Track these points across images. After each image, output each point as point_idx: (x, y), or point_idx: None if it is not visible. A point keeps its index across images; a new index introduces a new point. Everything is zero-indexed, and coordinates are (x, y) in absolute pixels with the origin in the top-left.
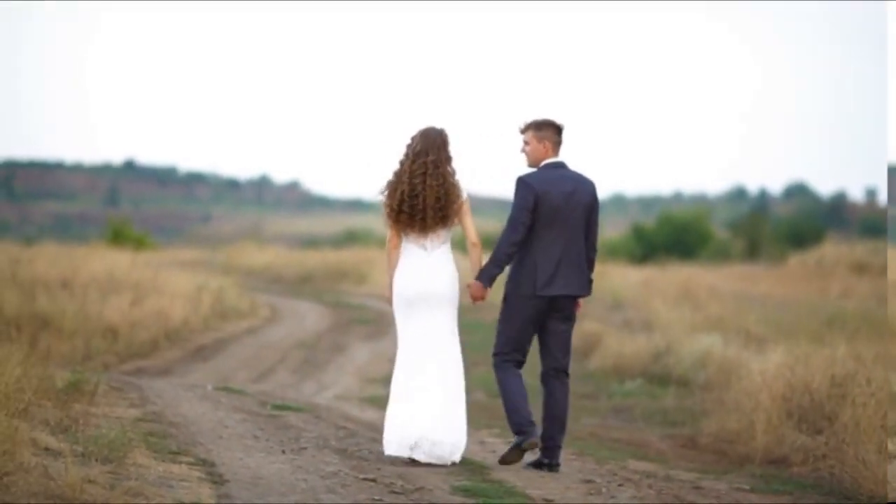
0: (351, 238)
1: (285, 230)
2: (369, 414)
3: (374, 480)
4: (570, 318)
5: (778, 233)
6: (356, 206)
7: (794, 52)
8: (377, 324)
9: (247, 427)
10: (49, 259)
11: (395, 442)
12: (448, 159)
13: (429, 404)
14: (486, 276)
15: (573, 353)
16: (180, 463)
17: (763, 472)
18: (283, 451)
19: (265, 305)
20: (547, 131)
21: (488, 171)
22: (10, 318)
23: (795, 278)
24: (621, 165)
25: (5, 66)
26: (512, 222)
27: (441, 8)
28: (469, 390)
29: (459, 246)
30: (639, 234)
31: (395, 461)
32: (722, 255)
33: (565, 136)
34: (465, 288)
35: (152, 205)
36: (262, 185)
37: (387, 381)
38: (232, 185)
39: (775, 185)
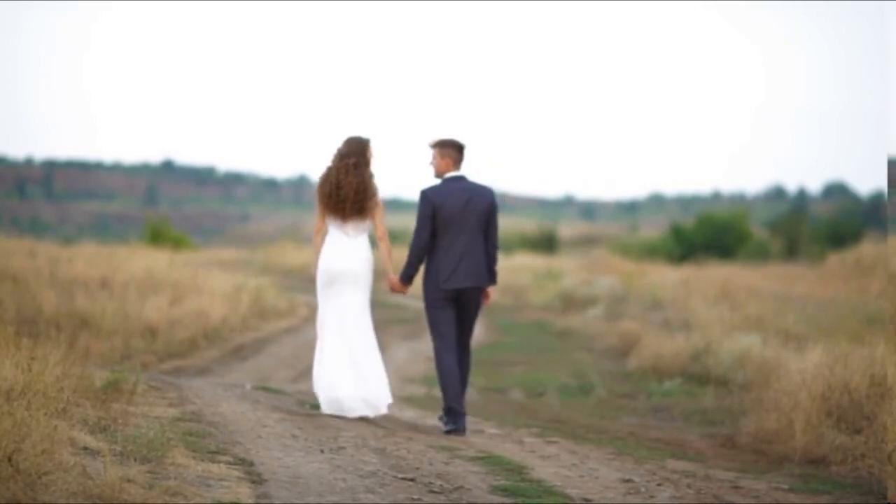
0: (389, 237)
1: None
2: (408, 413)
3: (412, 480)
4: (477, 307)
5: (817, 232)
6: (393, 205)
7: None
8: (415, 323)
9: (285, 426)
10: (88, 259)
11: (324, 402)
12: (367, 163)
13: (348, 370)
14: (405, 275)
15: (611, 353)
16: (219, 462)
17: (802, 471)
18: (322, 451)
19: (304, 305)
20: (449, 149)
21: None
22: (49, 318)
23: (834, 278)
24: (660, 165)
25: (46, 66)
26: (416, 230)
27: (495, 8)
28: (507, 389)
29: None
30: (677, 233)
31: (433, 461)
32: (761, 255)
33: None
34: (387, 281)
35: (191, 205)
36: (300, 185)
37: (425, 380)
38: (270, 184)
39: (814, 185)
